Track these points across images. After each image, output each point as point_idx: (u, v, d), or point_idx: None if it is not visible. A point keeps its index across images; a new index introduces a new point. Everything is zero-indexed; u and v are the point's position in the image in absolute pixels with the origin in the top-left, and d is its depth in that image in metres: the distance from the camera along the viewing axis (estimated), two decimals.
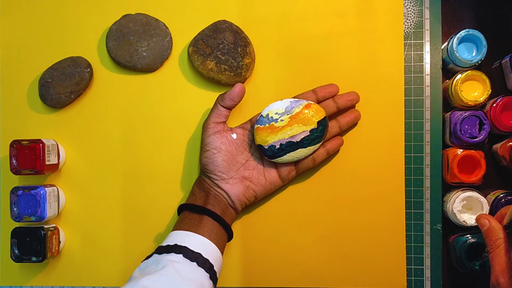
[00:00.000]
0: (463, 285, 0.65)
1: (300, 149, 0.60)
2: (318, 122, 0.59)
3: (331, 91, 0.62)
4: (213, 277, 0.55)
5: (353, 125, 0.64)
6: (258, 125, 0.60)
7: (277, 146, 0.59)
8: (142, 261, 0.56)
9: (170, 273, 0.52)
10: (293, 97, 0.62)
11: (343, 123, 0.62)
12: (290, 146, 0.59)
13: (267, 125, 0.59)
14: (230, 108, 0.61)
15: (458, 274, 0.65)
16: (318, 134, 0.59)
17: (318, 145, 0.60)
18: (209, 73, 0.64)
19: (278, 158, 0.60)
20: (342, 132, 0.63)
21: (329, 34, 0.65)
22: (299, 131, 0.59)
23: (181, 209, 0.60)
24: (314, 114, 0.59)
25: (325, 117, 0.60)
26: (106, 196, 0.66)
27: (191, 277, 0.53)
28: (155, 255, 0.55)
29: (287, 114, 0.59)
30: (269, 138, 0.59)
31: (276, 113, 0.59)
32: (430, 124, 0.64)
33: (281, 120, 0.59)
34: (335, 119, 0.62)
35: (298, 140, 0.59)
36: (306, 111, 0.59)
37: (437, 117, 0.64)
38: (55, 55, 0.66)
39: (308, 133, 0.59)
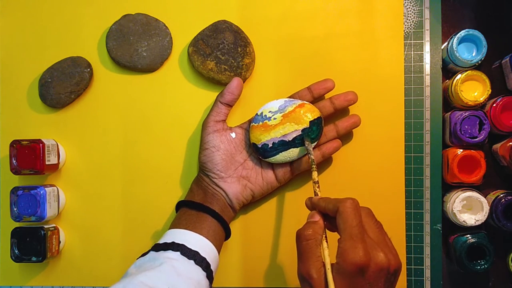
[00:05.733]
0: (463, 285, 0.65)
1: (292, 149, 0.60)
2: (310, 122, 0.59)
3: (326, 87, 0.61)
4: (210, 276, 0.55)
5: (351, 130, 0.63)
6: (253, 123, 0.60)
7: (270, 145, 0.59)
8: (137, 258, 0.56)
9: (168, 270, 0.52)
10: (289, 96, 0.62)
11: (341, 127, 0.61)
12: (282, 145, 0.59)
13: (260, 123, 0.60)
14: (230, 104, 0.61)
15: (458, 274, 0.65)
16: (310, 134, 0.59)
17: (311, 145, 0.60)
18: (209, 73, 0.64)
19: (271, 158, 0.60)
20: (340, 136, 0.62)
21: (329, 34, 0.65)
22: (291, 129, 0.59)
23: (180, 205, 0.61)
24: (307, 113, 0.59)
25: (319, 117, 0.59)
26: (106, 196, 0.66)
27: (188, 275, 0.53)
28: (152, 252, 0.55)
29: (280, 113, 0.59)
30: (262, 137, 0.59)
31: (270, 112, 0.60)
32: (430, 124, 0.64)
33: (274, 119, 0.59)
34: (333, 123, 0.62)
35: (290, 139, 0.59)
36: (298, 110, 0.59)
37: (437, 117, 0.64)
38: (55, 55, 0.66)
39: (300, 133, 0.59)
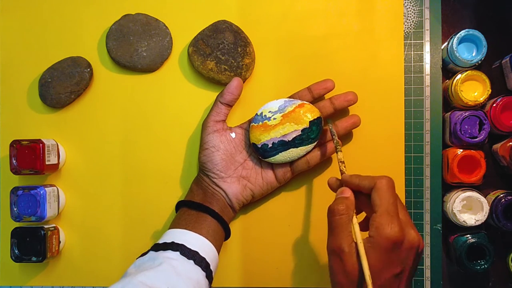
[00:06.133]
0: (463, 285, 0.65)
1: (292, 149, 0.60)
2: (310, 122, 0.59)
3: (326, 87, 0.61)
4: (209, 276, 0.55)
5: (351, 130, 0.63)
6: (253, 124, 0.60)
7: (270, 145, 0.59)
8: (137, 258, 0.56)
9: (167, 270, 0.52)
10: (289, 96, 0.62)
11: (341, 128, 0.61)
12: (282, 145, 0.59)
13: (260, 123, 0.60)
14: (230, 104, 0.61)
15: (458, 274, 0.65)
16: (310, 134, 0.59)
17: (311, 145, 0.60)
18: (209, 73, 0.64)
19: (271, 158, 0.60)
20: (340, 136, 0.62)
21: (329, 34, 0.65)
22: (291, 130, 0.59)
23: (179, 205, 0.61)
24: (307, 113, 0.59)
25: (318, 117, 0.59)
26: (106, 196, 0.66)
27: (187, 275, 0.53)
28: (151, 252, 0.55)
29: (280, 113, 0.59)
30: (262, 137, 0.59)
31: (270, 112, 0.60)
32: (430, 124, 0.64)
33: (274, 119, 0.59)
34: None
35: (289, 140, 0.59)
36: (298, 110, 0.59)
37: (437, 117, 0.64)
38: (55, 55, 0.66)
39: (300, 133, 0.59)
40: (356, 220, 0.49)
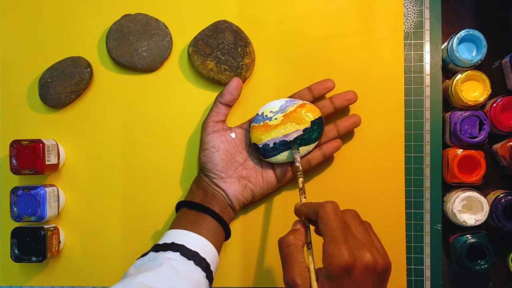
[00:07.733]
0: (463, 285, 0.65)
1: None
2: (311, 122, 0.59)
3: (326, 87, 0.61)
4: (209, 276, 0.55)
5: (351, 130, 0.63)
6: (254, 124, 0.60)
7: (271, 145, 0.59)
8: (137, 259, 0.56)
9: (167, 271, 0.52)
10: (289, 96, 0.62)
11: (341, 127, 0.61)
12: (284, 145, 0.59)
13: (261, 123, 0.60)
14: (229, 104, 0.61)
15: (458, 274, 0.65)
16: (311, 134, 0.59)
17: (312, 145, 0.60)
18: (209, 73, 0.64)
19: (272, 158, 0.60)
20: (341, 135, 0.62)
21: (329, 34, 0.65)
22: (292, 130, 0.59)
23: (179, 206, 0.61)
24: (308, 113, 0.59)
25: (320, 117, 0.59)
26: (106, 196, 0.66)
27: (188, 275, 0.53)
28: (152, 253, 0.55)
29: (281, 113, 0.59)
30: (263, 137, 0.59)
31: (271, 112, 0.60)
32: (430, 124, 0.64)
33: (275, 119, 0.59)
34: (333, 123, 0.62)
35: (291, 139, 0.59)
36: (299, 110, 0.59)
37: (437, 117, 0.64)
38: (55, 55, 0.66)
39: (301, 133, 0.59)
40: (309, 251, 0.48)
